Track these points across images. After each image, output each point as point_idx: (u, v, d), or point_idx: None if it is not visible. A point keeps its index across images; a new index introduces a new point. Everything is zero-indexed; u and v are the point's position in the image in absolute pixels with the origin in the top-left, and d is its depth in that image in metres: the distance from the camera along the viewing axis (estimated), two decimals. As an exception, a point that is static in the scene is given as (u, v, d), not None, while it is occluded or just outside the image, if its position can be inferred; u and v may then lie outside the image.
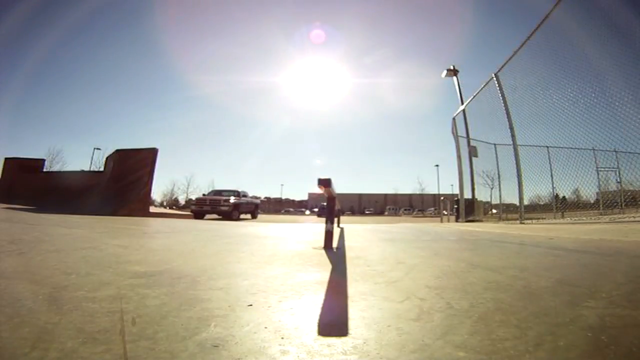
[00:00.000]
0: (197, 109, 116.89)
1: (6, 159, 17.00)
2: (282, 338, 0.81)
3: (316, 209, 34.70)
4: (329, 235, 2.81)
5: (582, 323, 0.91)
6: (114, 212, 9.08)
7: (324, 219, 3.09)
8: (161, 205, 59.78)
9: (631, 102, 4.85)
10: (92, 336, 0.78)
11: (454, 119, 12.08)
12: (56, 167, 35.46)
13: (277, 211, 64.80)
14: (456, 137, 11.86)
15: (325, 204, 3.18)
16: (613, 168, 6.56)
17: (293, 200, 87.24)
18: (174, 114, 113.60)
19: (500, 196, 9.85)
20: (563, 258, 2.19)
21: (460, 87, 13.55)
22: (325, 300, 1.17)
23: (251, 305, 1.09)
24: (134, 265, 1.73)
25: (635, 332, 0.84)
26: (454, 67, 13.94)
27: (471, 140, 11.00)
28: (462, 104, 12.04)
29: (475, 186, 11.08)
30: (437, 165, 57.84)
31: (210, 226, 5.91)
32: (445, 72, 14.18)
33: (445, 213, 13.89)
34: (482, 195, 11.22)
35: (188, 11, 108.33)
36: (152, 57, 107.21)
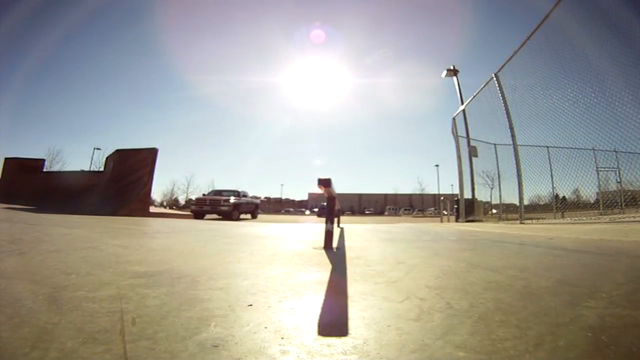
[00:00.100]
0: (197, 109, 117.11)
1: (6, 159, 17.00)
2: (282, 338, 0.81)
3: (316, 209, 34.71)
4: (329, 235, 2.81)
5: (582, 323, 0.91)
6: (114, 212, 9.08)
7: (324, 219, 3.09)
8: (161, 205, 59.79)
9: (631, 102, 4.85)
10: (92, 336, 0.78)
11: (454, 119, 12.08)
12: (56, 167, 35.50)
13: (277, 211, 64.80)
14: (456, 137, 11.86)
15: (325, 204, 3.18)
16: (613, 168, 6.57)
17: (293, 200, 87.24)
18: (174, 113, 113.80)
19: (500, 196, 9.86)
20: (563, 258, 2.19)
21: (460, 87, 13.56)
22: (325, 300, 1.17)
23: (251, 305, 1.09)
24: (134, 265, 1.73)
25: (635, 332, 0.84)
26: (454, 67, 13.95)
27: (471, 140, 11.00)
28: (462, 104, 12.04)
29: (475, 186, 11.10)
30: (437, 165, 57.92)
31: (210, 226, 5.91)
32: (445, 72, 14.18)
33: (445, 213, 13.89)
34: (482, 195, 11.24)
35: (188, 11, 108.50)
36: (152, 57, 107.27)
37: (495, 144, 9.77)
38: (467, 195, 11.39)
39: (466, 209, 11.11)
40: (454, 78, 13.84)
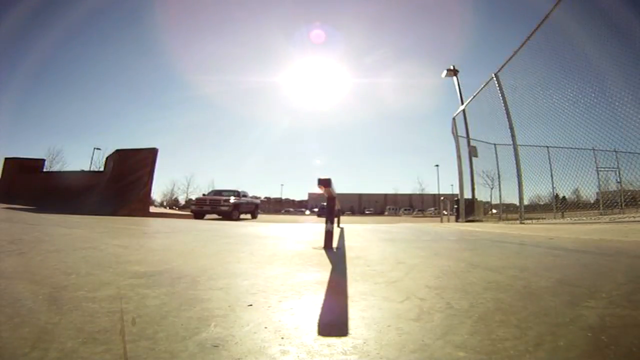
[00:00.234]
0: (197, 109, 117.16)
1: (6, 159, 17.02)
2: (282, 338, 0.81)
3: (316, 209, 34.70)
4: (329, 235, 2.81)
5: (582, 323, 0.91)
6: (114, 212, 9.08)
7: (324, 219, 3.09)
8: (161, 205, 59.80)
9: (631, 102, 4.85)
10: (92, 336, 0.78)
11: (454, 119, 12.08)
12: (56, 167, 35.51)
13: (277, 211, 64.79)
14: (456, 137, 11.86)
15: (325, 204, 3.18)
16: (613, 168, 6.56)
17: (293, 200, 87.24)
18: (174, 113, 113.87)
19: (500, 196, 9.86)
20: (563, 258, 2.19)
21: (460, 87, 13.56)
22: (325, 300, 1.17)
23: (251, 305, 1.09)
24: (134, 265, 1.73)
25: (635, 332, 0.84)
26: (454, 67, 13.95)
27: (471, 140, 11.00)
28: (462, 104, 12.04)
29: (475, 186, 11.09)
30: (437, 165, 57.88)
31: (210, 226, 5.91)
32: (445, 72, 14.18)
33: (445, 213, 13.89)
34: (482, 195, 11.23)
35: (188, 11, 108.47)
36: (152, 57, 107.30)
37: (495, 144, 9.77)
38: (467, 195, 11.40)
39: (466, 209, 11.11)
40: (454, 78, 13.84)
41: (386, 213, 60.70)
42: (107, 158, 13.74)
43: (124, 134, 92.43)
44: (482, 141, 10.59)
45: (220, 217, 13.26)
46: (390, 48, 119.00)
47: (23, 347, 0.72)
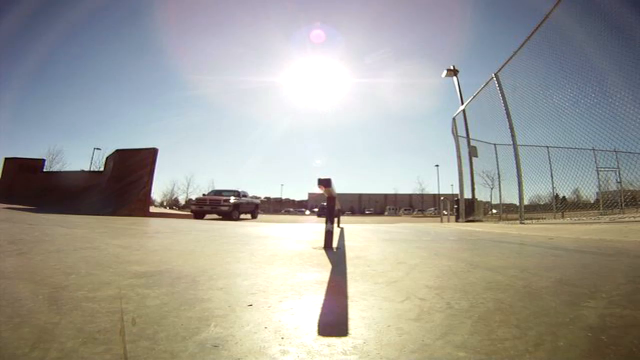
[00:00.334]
0: (197, 109, 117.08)
1: (6, 159, 17.02)
2: (282, 338, 0.81)
3: (316, 209, 34.69)
4: (329, 235, 2.81)
5: (582, 323, 0.91)
6: (114, 212, 9.08)
7: (324, 219, 3.09)
8: (161, 205, 59.80)
9: (631, 102, 4.85)
10: (92, 336, 0.78)
11: (454, 119, 12.07)
12: (56, 167, 35.45)
13: (277, 211, 64.80)
14: (456, 137, 11.86)
15: (325, 204, 3.18)
16: (613, 168, 6.56)
17: (293, 200, 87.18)
18: (174, 113, 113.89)
19: (500, 196, 9.87)
20: (563, 258, 2.19)
21: (460, 87, 13.55)
22: (325, 300, 1.17)
23: (251, 305, 1.09)
24: (134, 265, 1.73)
25: (635, 332, 0.84)
26: (454, 67, 13.94)
27: (471, 140, 11.00)
28: (462, 104, 12.04)
29: (475, 186, 11.09)
30: (437, 165, 57.83)
31: (210, 226, 5.91)
32: (445, 72, 14.17)
33: (445, 213, 13.90)
34: (482, 195, 11.23)
35: (188, 11, 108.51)
36: (152, 57, 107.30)
37: (495, 144, 9.78)
38: (467, 195, 11.39)
39: (466, 209, 11.11)
40: (454, 78, 13.83)
41: (386, 213, 60.68)
42: (107, 158, 13.76)
43: (124, 134, 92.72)
44: (482, 141, 10.60)
45: (220, 217, 13.26)
46: (390, 48, 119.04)
47: (23, 347, 0.72)
